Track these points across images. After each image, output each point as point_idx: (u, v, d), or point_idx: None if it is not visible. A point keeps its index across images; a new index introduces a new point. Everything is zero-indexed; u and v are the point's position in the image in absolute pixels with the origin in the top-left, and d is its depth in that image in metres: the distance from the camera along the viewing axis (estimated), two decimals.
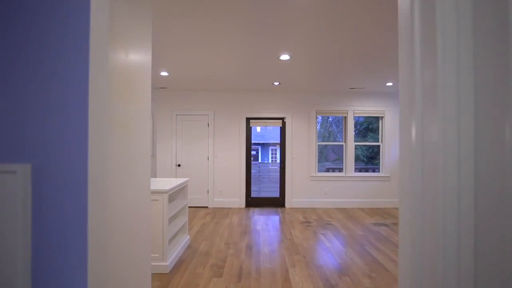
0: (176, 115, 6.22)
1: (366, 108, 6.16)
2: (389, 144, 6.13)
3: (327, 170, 7.73)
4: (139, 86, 1.51)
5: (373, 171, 7.88)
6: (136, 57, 1.44)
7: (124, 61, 1.29)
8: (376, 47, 3.38)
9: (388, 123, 6.14)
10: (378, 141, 6.44)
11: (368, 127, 11.59)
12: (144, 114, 1.60)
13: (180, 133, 6.22)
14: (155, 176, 7.85)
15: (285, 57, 3.66)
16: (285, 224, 4.87)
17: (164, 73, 4.57)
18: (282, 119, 6.17)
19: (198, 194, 6.18)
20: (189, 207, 6.11)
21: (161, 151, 6.22)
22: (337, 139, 13.68)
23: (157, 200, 3.05)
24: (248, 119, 6.20)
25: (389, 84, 5.30)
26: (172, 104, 6.22)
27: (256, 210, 5.90)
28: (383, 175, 6.13)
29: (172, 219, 3.75)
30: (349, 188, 6.12)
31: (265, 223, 4.93)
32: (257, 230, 4.53)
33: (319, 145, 6.26)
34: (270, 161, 16.33)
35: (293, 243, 3.94)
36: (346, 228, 4.65)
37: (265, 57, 3.72)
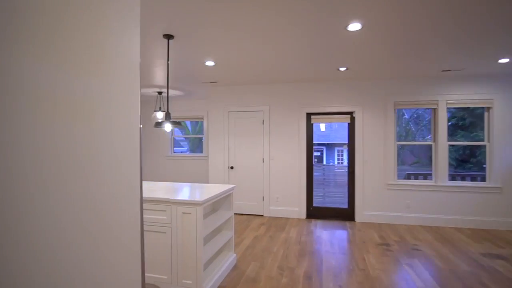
0: (229, 112, 5.67)
1: (465, 97, 4.73)
2: (500, 143, 4.59)
3: (408, 176, 6.35)
4: (117, 58, 0.91)
5: (471, 179, 6.23)
6: (113, 23, 0.86)
7: (89, 25, 0.73)
8: (498, 15, 2.22)
9: (499, 116, 4.61)
10: (477, 140, 4.94)
11: (458, 124, 9.58)
12: (125, 94, 0.98)
13: (233, 132, 5.66)
14: (206, 180, 7.49)
15: (355, 26, 2.72)
16: (356, 245, 3.87)
17: (210, 63, 4.00)
18: (351, 113, 5.13)
19: (252, 200, 5.53)
20: (242, 214, 5.50)
21: (213, 152, 5.75)
22: (416, 139, 11.74)
23: (190, 213, 2.42)
24: (309, 115, 5.32)
25: (504, 60, 3.88)
26: (224, 100, 5.69)
27: (319, 222, 4.97)
28: (490, 185, 4.62)
29: (215, 232, 3.13)
30: (441, 200, 4.76)
31: (329, 241, 4.00)
32: (319, 251, 3.64)
33: (394, 146, 5.04)
34: (336, 163, 15.03)
35: (367, 276, 2.96)
36: (442, 257, 3.45)
37: (329, 29, 2.84)
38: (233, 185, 3.26)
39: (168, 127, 3.00)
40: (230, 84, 5.48)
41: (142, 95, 6.87)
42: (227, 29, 2.85)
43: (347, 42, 3.19)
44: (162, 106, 7.53)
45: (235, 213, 5.59)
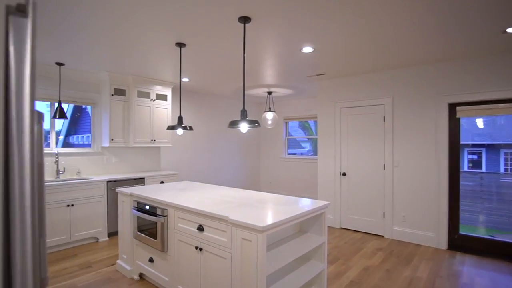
0: (340, 108, 4.77)
1: None
2: None
3: None
4: None
5: None
6: None
7: None
8: None
9: None
10: None
11: None
12: None
13: (346, 131, 4.72)
14: (314, 191, 6.69)
15: None
16: None
17: (307, 49, 3.30)
18: None
19: (370, 215, 4.45)
20: (356, 231, 4.51)
21: (323, 155, 4.98)
22: None
23: (250, 241, 1.84)
24: (452, 106, 3.82)
25: None
26: (334, 95, 4.84)
27: (469, 259, 3.45)
28: None
29: (301, 261, 2.45)
30: None
31: None
32: None
33: None
34: (502, 170, 11.25)
35: None
36: None
37: None
38: (326, 202, 2.47)
39: (244, 127, 2.52)
40: (339, 75, 4.58)
41: (253, 96, 6.75)
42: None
43: None
44: (272, 107, 7.28)
45: (347, 229, 4.65)
